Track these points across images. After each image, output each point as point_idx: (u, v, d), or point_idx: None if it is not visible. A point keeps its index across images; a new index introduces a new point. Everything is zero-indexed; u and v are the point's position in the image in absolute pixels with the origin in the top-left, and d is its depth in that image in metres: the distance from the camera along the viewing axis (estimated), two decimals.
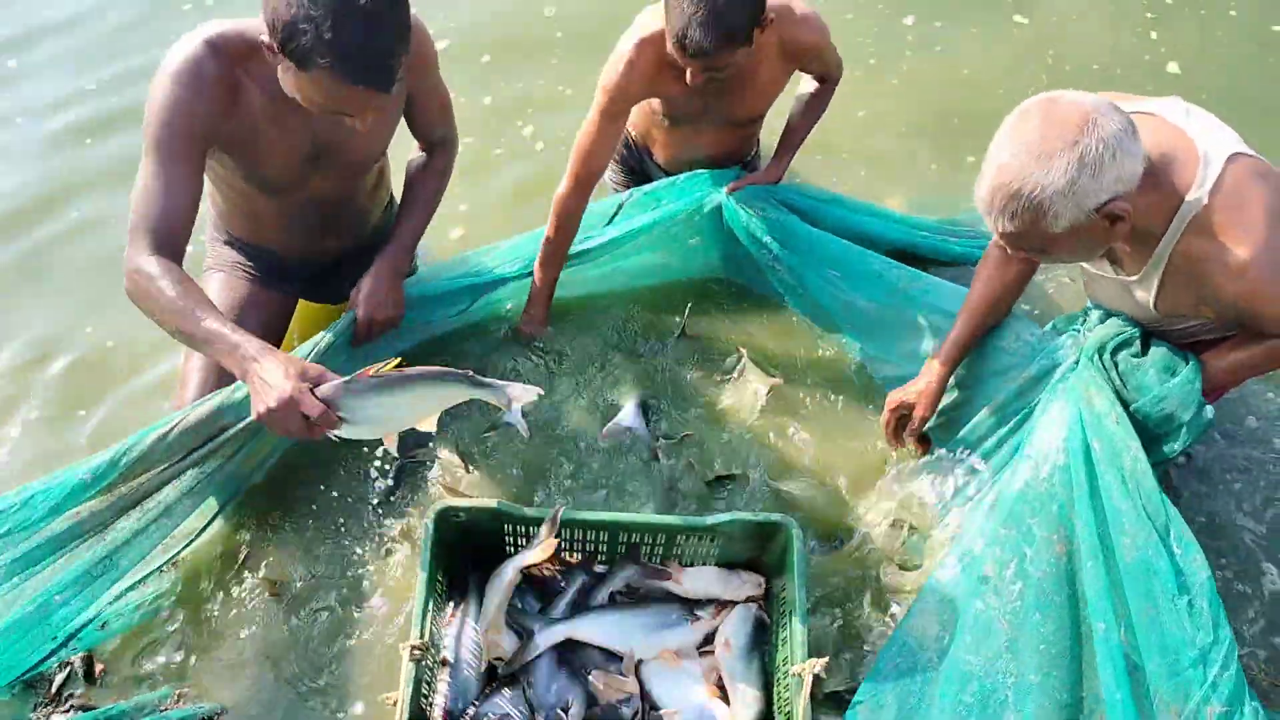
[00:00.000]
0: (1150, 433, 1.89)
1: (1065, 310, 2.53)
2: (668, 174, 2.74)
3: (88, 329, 2.78)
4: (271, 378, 1.69)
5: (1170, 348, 1.95)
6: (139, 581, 2.11)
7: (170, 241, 1.84)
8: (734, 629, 2.01)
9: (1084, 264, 1.98)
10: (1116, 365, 1.94)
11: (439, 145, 2.34)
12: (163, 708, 1.98)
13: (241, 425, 2.07)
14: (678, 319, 2.60)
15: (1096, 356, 1.95)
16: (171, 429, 2.02)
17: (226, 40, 1.85)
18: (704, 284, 2.74)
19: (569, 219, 2.42)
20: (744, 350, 2.53)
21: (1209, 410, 1.91)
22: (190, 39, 1.85)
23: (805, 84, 2.59)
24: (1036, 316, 2.56)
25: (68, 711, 1.98)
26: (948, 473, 2.24)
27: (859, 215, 2.61)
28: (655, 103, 2.45)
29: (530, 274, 2.49)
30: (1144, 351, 1.97)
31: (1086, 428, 1.86)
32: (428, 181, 2.32)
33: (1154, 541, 1.72)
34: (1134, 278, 1.83)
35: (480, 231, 2.93)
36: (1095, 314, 2.10)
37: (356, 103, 1.74)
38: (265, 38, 1.71)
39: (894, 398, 2.23)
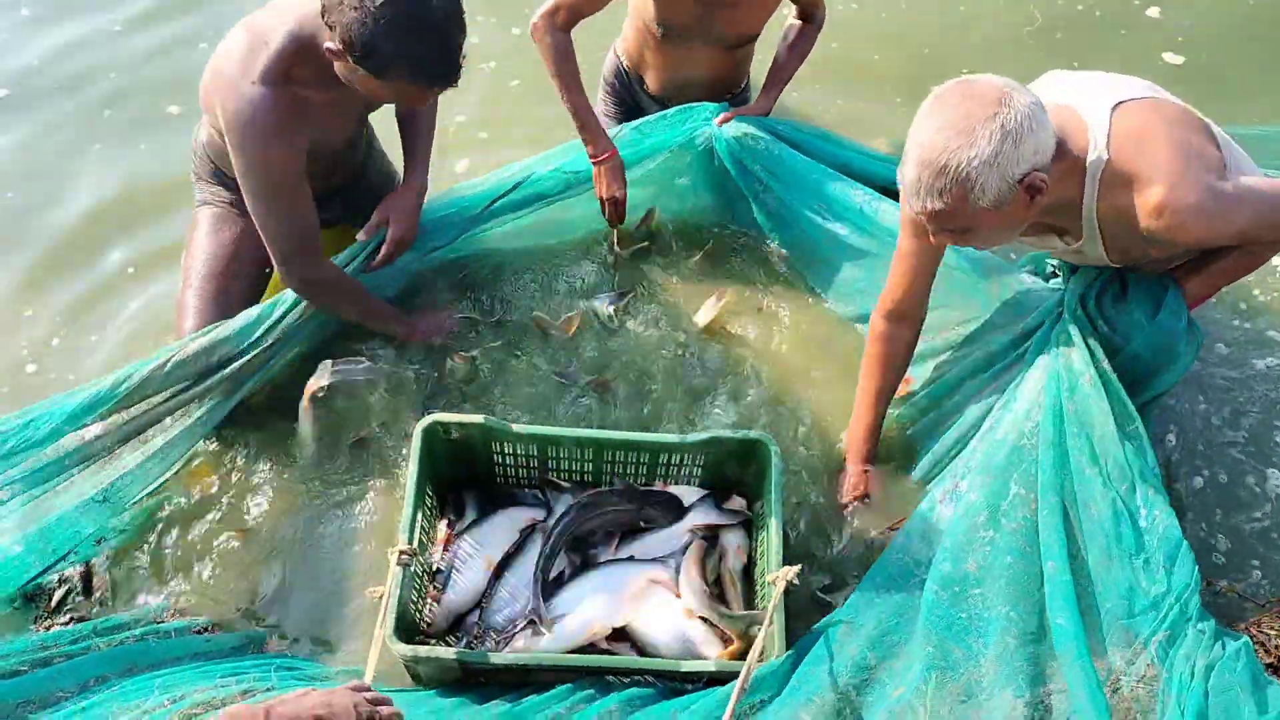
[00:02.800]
0: (1151, 366, 1.94)
1: None
2: (659, 103, 2.75)
3: None
4: None
5: (1150, 281, 1.98)
6: (133, 502, 2.17)
7: (318, 249, 2.20)
8: (740, 541, 2.07)
9: (1040, 247, 2.03)
10: (1103, 312, 1.97)
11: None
12: (158, 619, 2.04)
13: (243, 360, 2.17)
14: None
15: (1080, 309, 1.98)
16: (169, 359, 2.10)
17: (275, 69, 1.92)
18: (692, 222, 2.77)
19: (563, 43, 2.39)
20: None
21: (1199, 331, 1.97)
22: (247, 87, 1.92)
23: (790, 21, 2.62)
24: None
25: (67, 623, 2.03)
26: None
27: (846, 152, 2.62)
28: (650, 12, 2.45)
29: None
30: (1124, 291, 2.00)
31: (1062, 388, 1.91)
32: (420, 120, 2.41)
33: (1118, 504, 1.79)
34: (1081, 241, 1.89)
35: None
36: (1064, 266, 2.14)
37: (425, 98, 1.97)
38: (332, 44, 1.81)
39: (847, 498, 2.22)
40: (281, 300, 2.25)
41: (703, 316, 2.52)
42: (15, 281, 2.79)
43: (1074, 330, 1.95)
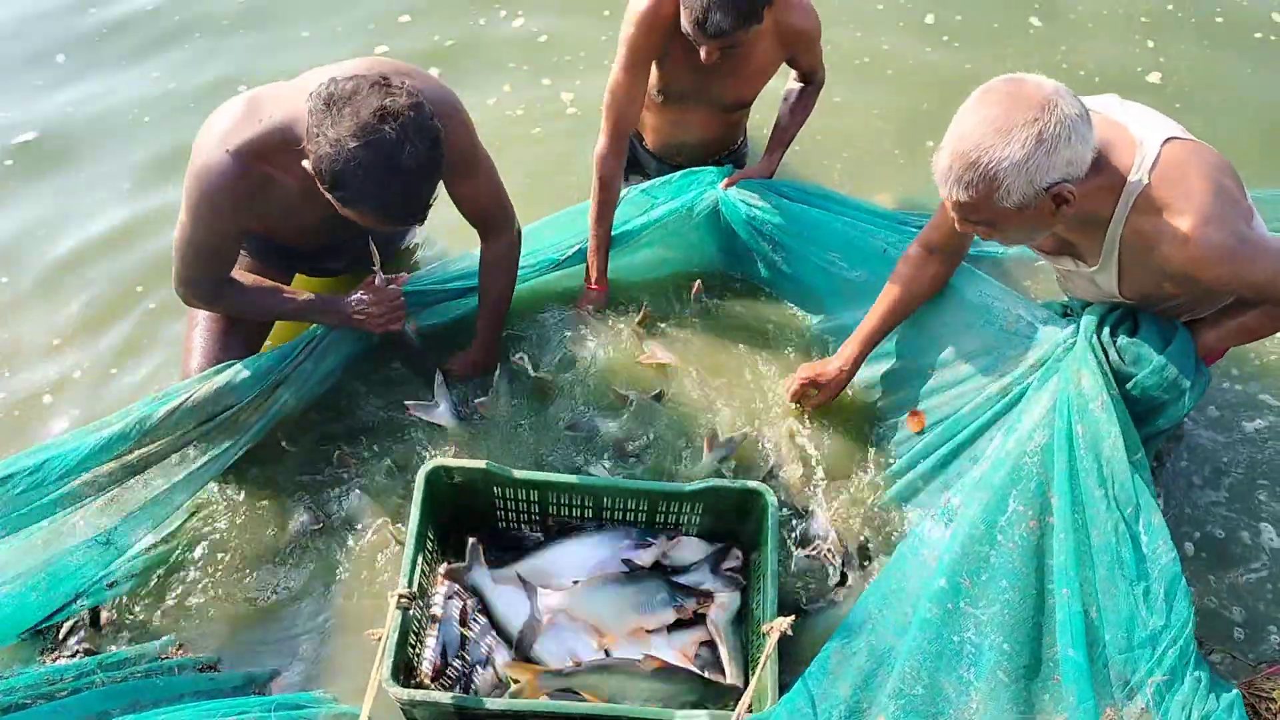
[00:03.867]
0: (1155, 401, 1.94)
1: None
2: (657, 159, 2.84)
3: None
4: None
5: (1161, 321, 2.00)
6: (142, 550, 2.22)
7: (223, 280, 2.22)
8: (730, 597, 2.09)
9: (1054, 265, 2.05)
10: (1115, 341, 1.98)
11: (493, 231, 2.38)
12: (163, 656, 2.07)
13: (244, 403, 2.23)
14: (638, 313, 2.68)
15: (1095, 335, 1.99)
16: (180, 405, 2.15)
17: (254, 147, 1.97)
18: (700, 275, 2.80)
19: (612, 175, 2.54)
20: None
21: (1206, 372, 1.98)
22: (217, 149, 1.96)
23: (791, 83, 2.69)
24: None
25: (74, 656, 2.07)
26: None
27: (850, 210, 2.68)
28: (650, 78, 2.54)
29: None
30: (1135, 327, 2.01)
31: (1073, 410, 1.92)
32: (497, 278, 2.43)
33: (1121, 528, 1.79)
34: (1094, 268, 1.91)
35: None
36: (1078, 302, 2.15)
37: (391, 228, 1.99)
38: (308, 164, 1.84)
39: (806, 373, 2.41)
40: (288, 351, 2.32)
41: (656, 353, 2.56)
42: (48, 314, 2.86)
43: (1089, 354, 1.96)
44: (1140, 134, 1.74)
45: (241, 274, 2.27)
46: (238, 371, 2.24)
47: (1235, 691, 1.68)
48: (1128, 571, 1.76)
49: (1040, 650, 1.78)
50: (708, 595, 2.08)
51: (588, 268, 2.62)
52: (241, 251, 2.42)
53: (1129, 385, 1.92)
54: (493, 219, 2.35)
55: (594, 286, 2.63)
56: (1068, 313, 2.21)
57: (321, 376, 2.41)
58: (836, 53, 3.48)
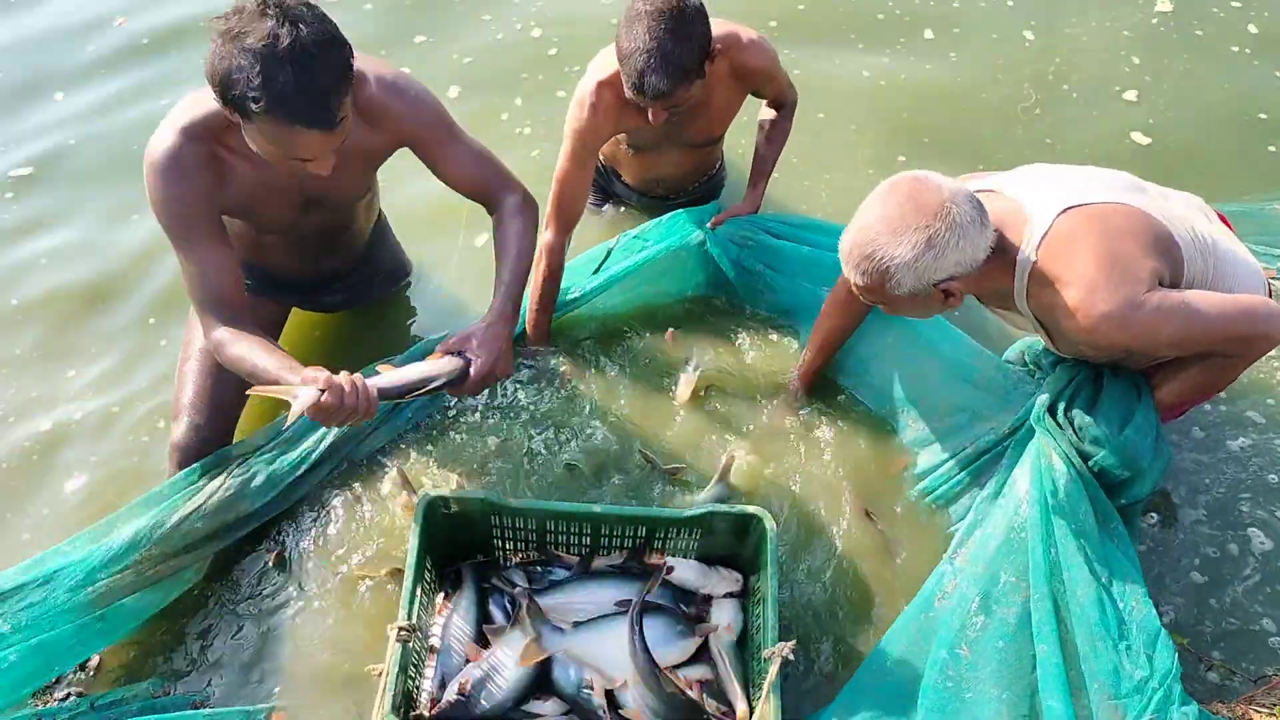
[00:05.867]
0: (1117, 479, 2.00)
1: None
2: (637, 193, 2.87)
3: None
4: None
5: (1123, 387, 2.04)
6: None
7: (229, 308, 2.03)
8: (732, 616, 2.08)
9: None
10: (1072, 422, 2.03)
11: (498, 194, 2.24)
12: (155, 695, 2.04)
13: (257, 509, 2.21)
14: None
15: (1048, 418, 2.05)
16: (193, 511, 2.12)
17: (201, 123, 1.92)
18: (694, 302, 2.82)
19: (557, 261, 2.53)
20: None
21: (1167, 449, 2.04)
22: (165, 130, 1.93)
23: (764, 111, 2.69)
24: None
25: (65, 698, 2.03)
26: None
27: (834, 238, 2.70)
28: (620, 134, 2.57)
29: None
30: (1096, 396, 2.06)
31: (1045, 483, 1.99)
32: (512, 232, 2.19)
33: (1100, 596, 1.86)
34: (1027, 329, 1.99)
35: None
36: (1050, 354, 2.20)
37: (303, 145, 1.79)
38: (216, 100, 1.77)
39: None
40: (303, 455, 2.30)
41: (681, 391, 2.56)
42: (43, 347, 2.85)
43: (1049, 436, 2.02)
44: (1033, 209, 1.82)
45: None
46: (252, 476, 2.20)
47: None
48: (1111, 631, 1.82)
49: (1036, 704, 1.83)
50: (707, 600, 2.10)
51: (529, 336, 2.61)
52: None
53: (1090, 463, 1.98)
54: (491, 184, 2.23)
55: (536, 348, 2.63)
56: (1036, 369, 2.26)
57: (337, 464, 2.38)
58: (830, 67, 3.61)
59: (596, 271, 2.65)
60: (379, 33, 3.84)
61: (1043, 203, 1.82)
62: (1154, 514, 2.34)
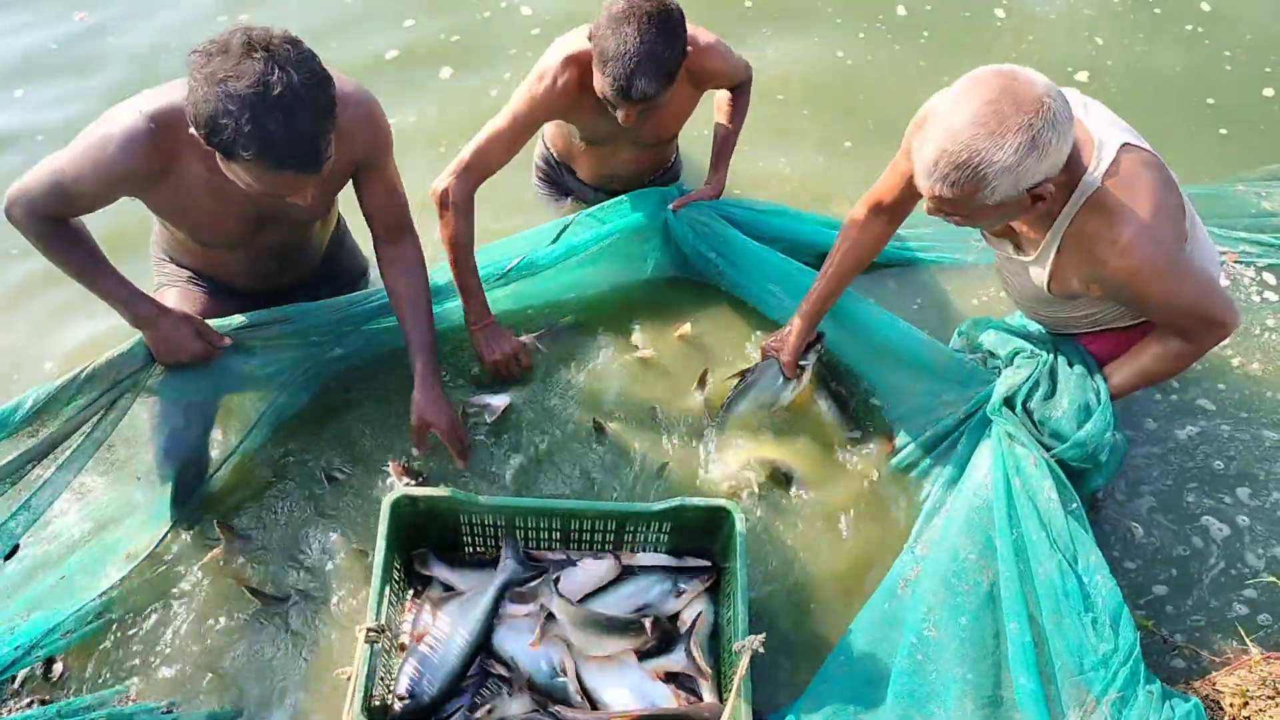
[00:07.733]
0: (1073, 470, 2.03)
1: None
2: (592, 189, 2.83)
3: None
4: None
5: (1079, 380, 2.08)
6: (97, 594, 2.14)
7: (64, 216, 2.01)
8: (705, 606, 2.10)
9: (995, 248, 2.10)
10: (1031, 415, 2.07)
11: (400, 231, 2.27)
12: (118, 702, 2.01)
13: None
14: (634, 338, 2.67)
15: (1006, 410, 2.08)
16: (75, 378, 2.07)
17: (168, 115, 1.85)
18: (655, 284, 2.80)
19: (464, 220, 2.36)
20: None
21: (1123, 441, 2.08)
22: (132, 109, 1.87)
23: (719, 96, 2.65)
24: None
25: (29, 706, 2.00)
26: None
27: (802, 225, 2.72)
28: (572, 126, 2.53)
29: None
30: (1053, 391, 2.10)
31: (1008, 467, 2.03)
32: (415, 276, 2.27)
33: (1064, 568, 1.89)
34: (1031, 258, 1.95)
35: None
36: (1006, 345, 2.23)
37: (287, 185, 1.79)
38: (194, 131, 1.72)
39: (765, 346, 2.48)
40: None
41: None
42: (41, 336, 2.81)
43: (1010, 423, 2.06)
44: (1100, 134, 1.76)
45: (82, 230, 2.07)
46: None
47: (1194, 701, 1.76)
48: (1074, 604, 1.85)
49: (1001, 681, 1.87)
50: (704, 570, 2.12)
51: (465, 308, 2.44)
52: (195, 287, 2.37)
53: (1051, 454, 2.02)
54: (400, 219, 2.25)
55: (480, 322, 2.46)
56: (988, 359, 2.31)
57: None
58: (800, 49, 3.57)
59: (555, 241, 2.60)
60: (367, 14, 3.70)
61: (1106, 132, 1.75)
62: (1109, 503, 2.38)
